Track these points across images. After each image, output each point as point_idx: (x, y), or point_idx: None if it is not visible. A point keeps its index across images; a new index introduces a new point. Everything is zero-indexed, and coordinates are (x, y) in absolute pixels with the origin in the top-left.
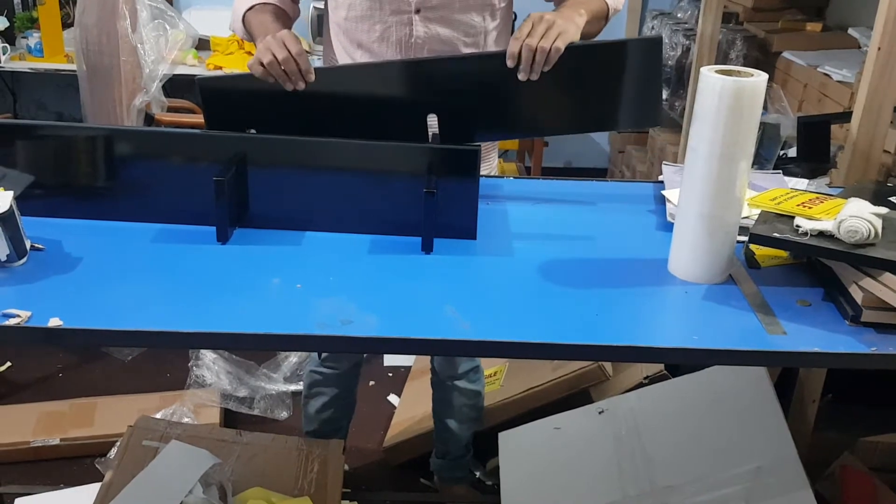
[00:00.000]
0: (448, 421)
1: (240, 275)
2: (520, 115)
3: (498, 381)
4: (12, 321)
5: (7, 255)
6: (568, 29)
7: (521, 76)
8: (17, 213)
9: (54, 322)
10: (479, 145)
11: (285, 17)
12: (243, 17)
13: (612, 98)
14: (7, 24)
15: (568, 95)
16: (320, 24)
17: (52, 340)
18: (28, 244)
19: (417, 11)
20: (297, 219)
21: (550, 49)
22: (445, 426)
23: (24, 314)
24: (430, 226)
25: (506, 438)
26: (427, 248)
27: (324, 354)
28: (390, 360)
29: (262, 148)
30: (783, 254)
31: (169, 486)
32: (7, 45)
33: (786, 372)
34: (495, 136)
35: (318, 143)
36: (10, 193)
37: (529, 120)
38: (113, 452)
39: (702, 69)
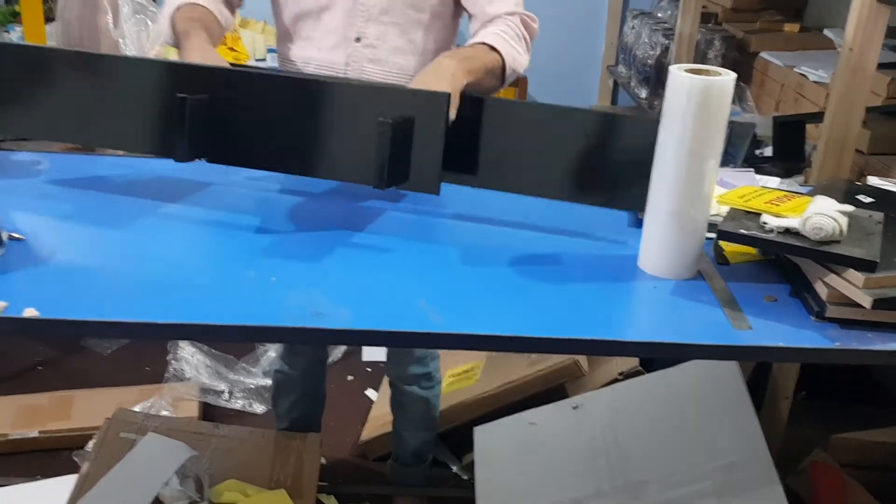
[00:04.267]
0: (398, 425)
1: (215, 266)
2: (490, 164)
3: (475, 376)
4: None
5: None
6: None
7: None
8: None
9: (29, 312)
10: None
11: (216, 28)
12: (172, 17)
13: (599, 172)
14: None
15: (550, 158)
16: None
17: (28, 331)
18: (5, 235)
19: None
20: (260, 156)
21: None
22: (396, 430)
23: (1, 304)
24: (384, 158)
25: (481, 433)
26: (381, 182)
27: (283, 354)
28: (368, 355)
29: (233, 81)
30: (752, 250)
31: (145, 478)
32: None
33: (759, 369)
34: (459, 179)
35: (291, 80)
36: None
37: (498, 170)
38: (90, 445)
39: (671, 68)
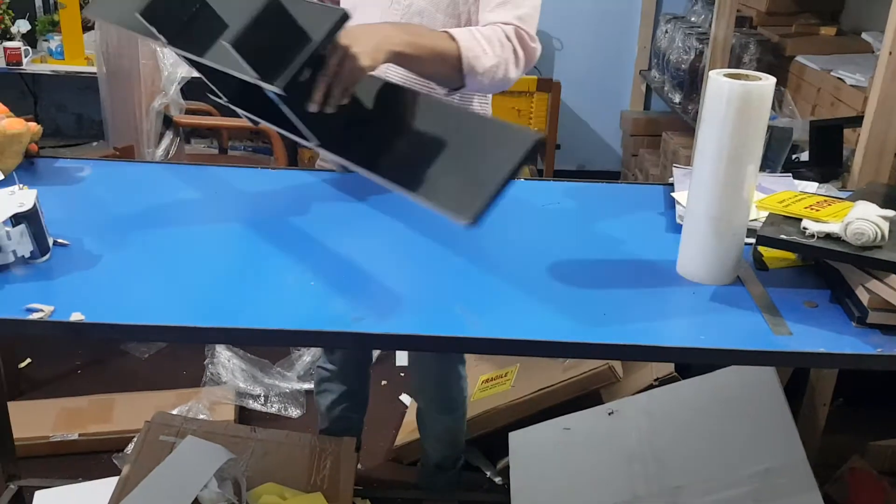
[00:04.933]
0: (422, 437)
1: (256, 271)
2: (355, 140)
3: (509, 381)
4: (36, 315)
5: (31, 252)
6: (360, 66)
7: (310, 107)
8: (40, 210)
9: (76, 316)
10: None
11: None
12: None
13: (444, 170)
14: (29, 27)
15: (407, 143)
16: None
17: (74, 334)
18: (51, 241)
19: None
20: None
21: (345, 92)
22: (421, 440)
23: (48, 309)
24: (243, 32)
25: (516, 438)
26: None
27: (324, 349)
28: (402, 360)
29: None
30: (791, 256)
31: (185, 480)
32: (29, 47)
33: (797, 375)
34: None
35: None
36: (34, 192)
37: (363, 149)
38: (130, 448)
39: (710, 73)
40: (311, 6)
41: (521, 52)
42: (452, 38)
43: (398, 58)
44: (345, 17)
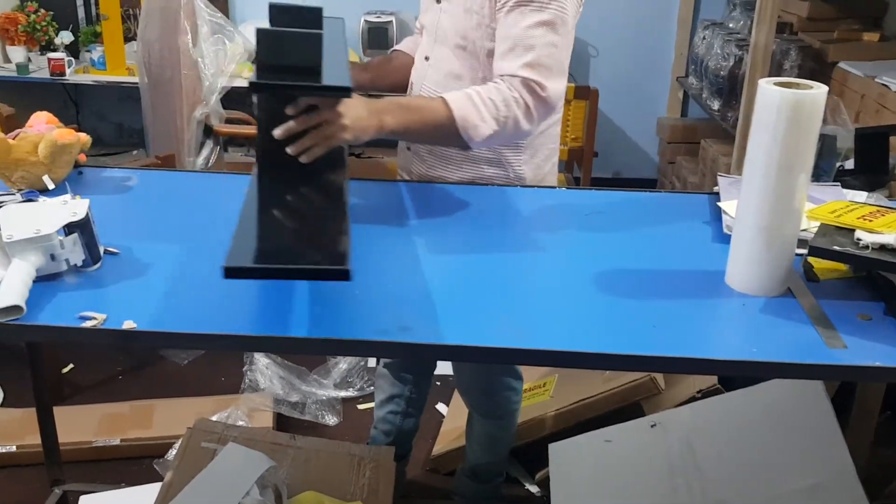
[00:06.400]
0: (467, 441)
1: (302, 282)
2: None
3: (548, 391)
4: (89, 323)
5: (83, 261)
6: (340, 136)
7: (276, 132)
8: (92, 220)
9: (128, 325)
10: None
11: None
12: None
13: None
14: (72, 38)
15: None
16: (370, 36)
17: (127, 342)
18: (102, 249)
19: (438, 1)
20: None
21: (313, 148)
22: (466, 445)
23: (100, 317)
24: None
25: (556, 450)
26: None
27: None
28: (439, 369)
29: None
30: (843, 267)
31: (227, 487)
32: (72, 58)
33: (843, 388)
34: None
35: None
36: (87, 202)
37: None
38: (171, 453)
39: (760, 82)
40: (344, 61)
41: (531, 104)
42: (449, 107)
43: (390, 134)
44: (348, 90)
